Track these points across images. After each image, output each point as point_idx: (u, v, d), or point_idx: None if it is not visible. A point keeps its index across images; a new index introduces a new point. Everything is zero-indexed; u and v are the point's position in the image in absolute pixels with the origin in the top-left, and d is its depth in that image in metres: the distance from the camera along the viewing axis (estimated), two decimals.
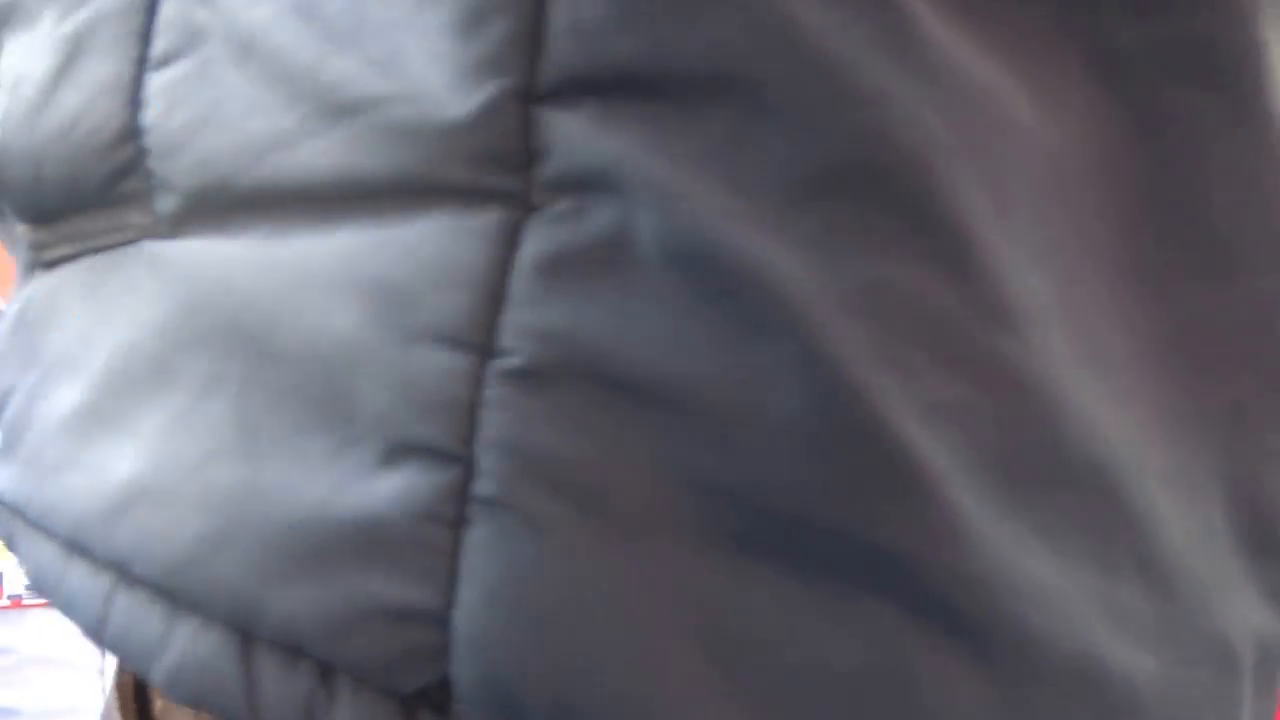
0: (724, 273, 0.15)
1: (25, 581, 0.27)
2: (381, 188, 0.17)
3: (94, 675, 1.34)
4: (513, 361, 0.16)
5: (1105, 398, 0.17)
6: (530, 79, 0.16)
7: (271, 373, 0.17)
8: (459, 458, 0.16)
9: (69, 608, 0.19)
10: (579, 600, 0.15)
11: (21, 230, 0.23)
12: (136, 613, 0.18)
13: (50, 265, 0.22)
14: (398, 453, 0.16)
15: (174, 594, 0.17)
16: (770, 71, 0.15)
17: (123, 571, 0.18)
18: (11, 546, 0.22)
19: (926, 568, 0.16)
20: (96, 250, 0.21)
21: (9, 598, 1.36)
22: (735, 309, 0.15)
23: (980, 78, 0.16)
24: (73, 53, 0.21)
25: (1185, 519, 0.18)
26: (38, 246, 0.22)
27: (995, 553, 0.16)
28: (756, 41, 0.15)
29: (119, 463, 0.18)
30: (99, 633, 0.18)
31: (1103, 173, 0.17)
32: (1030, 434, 0.16)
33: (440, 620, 0.15)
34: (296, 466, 0.16)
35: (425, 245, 0.16)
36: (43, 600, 0.24)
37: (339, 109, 0.17)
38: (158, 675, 0.17)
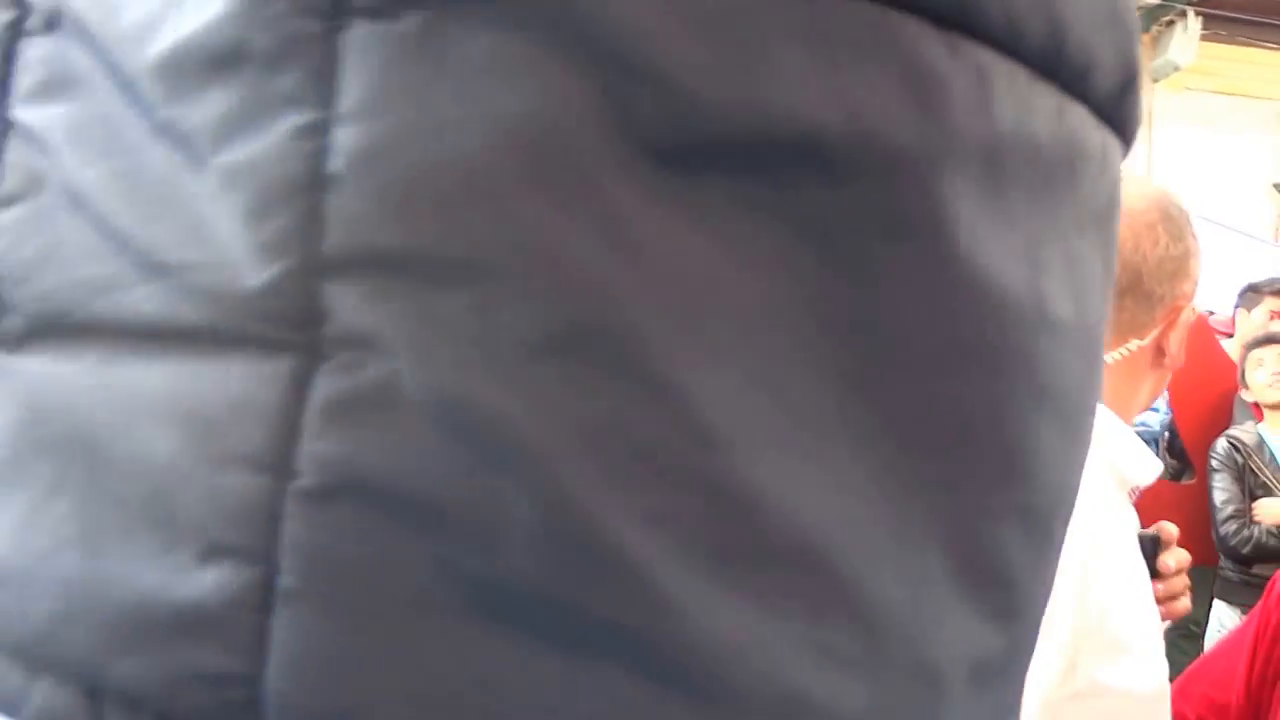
0: (470, 418, 0.19)
1: None
2: (194, 333, 0.20)
3: None
4: (305, 482, 0.19)
5: (820, 483, 0.20)
6: (312, 258, 0.19)
7: (106, 482, 0.20)
8: (264, 559, 0.19)
9: None
10: (362, 666, 0.19)
11: None
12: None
13: None
14: (214, 553, 0.19)
15: (30, 659, 0.21)
16: (504, 259, 0.19)
17: None
18: None
19: (643, 636, 0.19)
20: None
21: None
22: (480, 446, 0.19)
23: (683, 248, 0.20)
24: None
25: (900, 569, 0.22)
26: None
27: (702, 620, 0.20)
28: (493, 235, 0.19)
29: None
30: None
31: (813, 309, 0.20)
32: (734, 526, 0.20)
33: (252, 682, 0.19)
34: (130, 561, 0.20)
35: (232, 384, 0.20)
36: None
37: (156, 267, 0.20)
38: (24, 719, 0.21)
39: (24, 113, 0.23)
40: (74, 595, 0.20)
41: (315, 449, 0.19)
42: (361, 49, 0.19)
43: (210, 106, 0.20)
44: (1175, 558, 1.00)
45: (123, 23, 0.21)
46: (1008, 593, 0.24)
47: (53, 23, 0.23)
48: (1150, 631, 0.86)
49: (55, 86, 0.22)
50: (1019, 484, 0.24)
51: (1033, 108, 0.23)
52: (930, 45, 0.21)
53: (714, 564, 0.20)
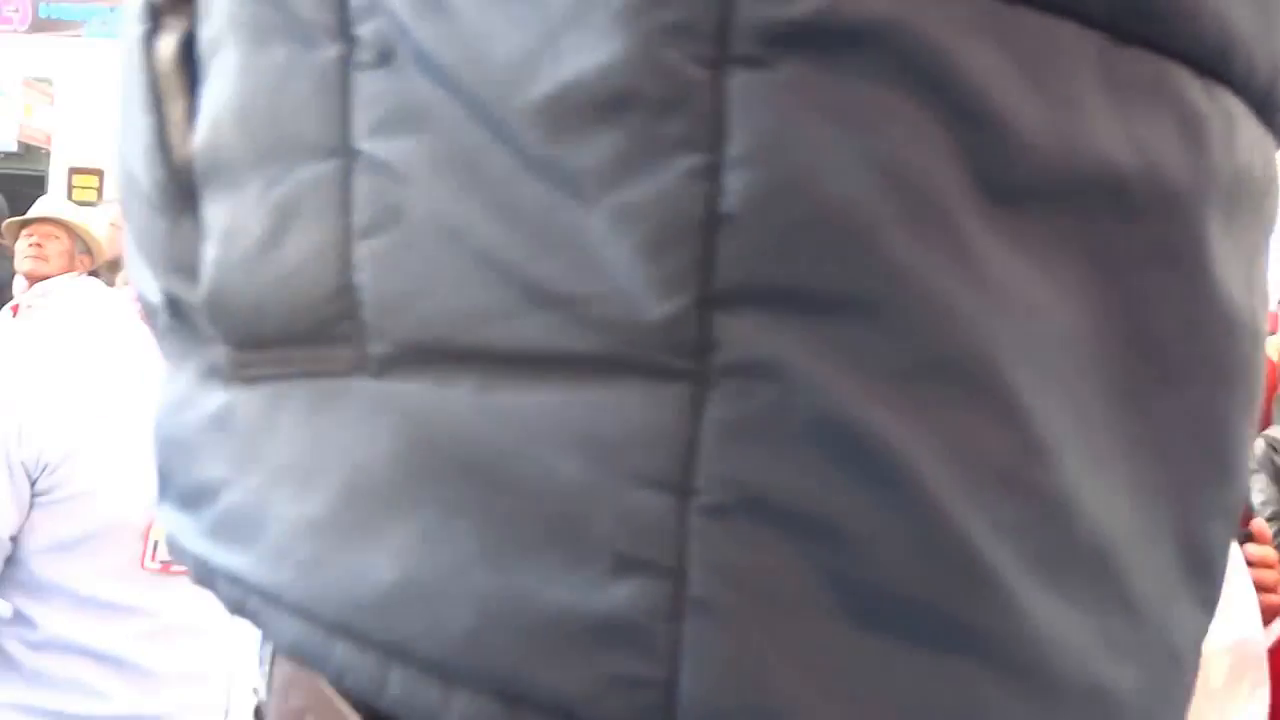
0: (854, 438, 0.21)
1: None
2: (584, 360, 0.21)
3: (227, 644, 1.40)
4: (706, 500, 0.21)
5: (1103, 490, 0.23)
6: (705, 292, 0.21)
7: (508, 502, 0.22)
8: (675, 572, 0.21)
9: (340, 676, 0.23)
10: (761, 664, 0.21)
11: (223, 350, 0.26)
12: (413, 684, 0.22)
13: (250, 380, 0.26)
14: (625, 567, 0.21)
15: (446, 672, 0.22)
16: (882, 293, 0.21)
17: (395, 653, 0.23)
18: (256, 622, 0.25)
19: (991, 632, 0.22)
20: (304, 375, 0.25)
21: (160, 562, 1.40)
22: (863, 463, 0.21)
23: (1017, 278, 0.22)
24: (283, 219, 0.24)
25: (1151, 562, 0.24)
26: (240, 364, 0.26)
27: (1035, 617, 0.22)
28: (873, 271, 0.21)
29: (379, 567, 0.23)
30: (377, 697, 0.23)
31: (1092, 328, 0.23)
32: (1055, 533, 0.22)
33: (669, 686, 0.21)
34: (540, 576, 0.21)
35: (629, 409, 0.21)
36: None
37: (548, 299, 0.22)
38: None
39: (371, 145, 0.24)
40: (489, 610, 0.21)
41: (714, 469, 0.21)
42: (745, 96, 0.21)
43: (599, 148, 0.21)
44: (1258, 549, 1.09)
45: (491, 64, 0.22)
46: (1212, 581, 0.26)
47: (386, 57, 0.23)
48: (1239, 595, 0.94)
49: (401, 121, 0.23)
50: (1230, 484, 0.26)
51: (1254, 143, 0.26)
52: (1195, 90, 0.24)
53: (1041, 567, 0.22)
